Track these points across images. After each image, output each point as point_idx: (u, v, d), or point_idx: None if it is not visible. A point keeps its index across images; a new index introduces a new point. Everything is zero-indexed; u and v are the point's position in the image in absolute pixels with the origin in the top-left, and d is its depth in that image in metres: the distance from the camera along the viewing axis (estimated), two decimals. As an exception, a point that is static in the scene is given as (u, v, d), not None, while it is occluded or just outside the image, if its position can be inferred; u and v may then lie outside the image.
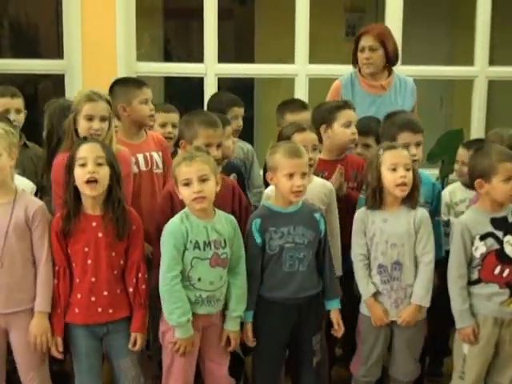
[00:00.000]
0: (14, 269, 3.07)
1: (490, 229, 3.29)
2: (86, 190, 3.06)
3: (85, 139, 3.20)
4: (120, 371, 3.20)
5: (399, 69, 4.68)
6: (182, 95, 6.07)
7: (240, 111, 4.23)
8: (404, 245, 3.34)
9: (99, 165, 3.05)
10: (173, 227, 3.09)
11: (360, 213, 3.43)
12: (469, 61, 5.58)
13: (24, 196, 3.14)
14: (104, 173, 3.06)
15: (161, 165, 3.74)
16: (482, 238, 3.28)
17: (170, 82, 6.52)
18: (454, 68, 5.88)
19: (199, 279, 3.09)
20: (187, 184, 3.05)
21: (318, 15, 5.37)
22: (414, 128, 3.64)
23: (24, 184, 3.39)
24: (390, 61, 4.43)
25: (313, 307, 3.31)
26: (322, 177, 3.66)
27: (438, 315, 3.47)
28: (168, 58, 7.79)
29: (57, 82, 5.42)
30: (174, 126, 4.09)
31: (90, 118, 3.36)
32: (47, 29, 7.79)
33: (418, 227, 3.34)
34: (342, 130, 3.78)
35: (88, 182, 3.03)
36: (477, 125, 5.49)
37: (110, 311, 3.12)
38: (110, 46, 5.01)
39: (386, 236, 3.31)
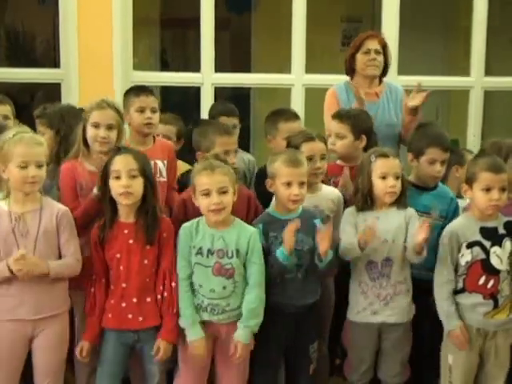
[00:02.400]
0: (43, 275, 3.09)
1: (478, 237, 3.31)
2: (121, 201, 3.13)
3: (118, 150, 3.22)
4: (149, 376, 3.25)
5: (398, 79, 4.69)
6: (179, 105, 6.08)
7: (230, 120, 4.24)
8: (394, 241, 3.37)
9: (133, 177, 3.10)
10: (182, 231, 3.18)
11: (350, 210, 3.47)
12: (465, 70, 5.60)
13: (48, 202, 3.18)
14: (138, 184, 3.13)
15: (165, 173, 3.76)
16: (469, 245, 3.31)
17: (166, 91, 6.52)
18: (450, 78, 5.92)
19: (200, 285, 3.14)
20: (207, 194, 3.09)
21: (314, 25, 5.38)
22: (444, 144, 3.68)
23: None
24: (386, 68, 4.49)
25: (311, 315, 3.33)
26: (333, 182, 3.73)
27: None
28: (164, 67, 7.80)
29: (52, 91, 5.42)
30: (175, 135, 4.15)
31: (97, 126, 3.39)
32: (43, 38, 7.80)
33: (408, 223, 3.39)
34: None
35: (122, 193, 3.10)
36: (472, 135, 5.50)
37: (140, 319, 3.17)
38: (107, 55, 5.00)
39: (378, 232, 3.32)
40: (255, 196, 3.58)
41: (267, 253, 3.23)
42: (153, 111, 3.75)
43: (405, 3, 5.33)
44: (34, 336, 3.14)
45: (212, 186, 3.10)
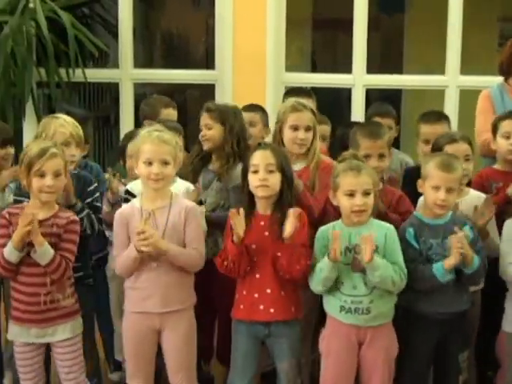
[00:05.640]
0: (170, 269, 3.18)
1: None
2: (257, 193, 3.18)
3: (259, 145, 3.29)
4: (280, 372, 3.26)
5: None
6: (329, 106, 6.08)
7: (385, 122, 4.17)
8: None
9: (270, 171, 3.15)
10: (318, 233, 3.18)
11: None
12: None
13: (177, 199, 3.27)
14: (274, 179, 3.16)
15: None
16: None
17: (315, 92, 6.54)
18: None
19: (342, 283, 3.12)
20: (351, 195, 3.08)
21: (470, 25, 5.25)
22: None
23: (180, 185, 3.50)
24: None
25: (461, 324, 3.25)
26: (495, 188, 3.62)
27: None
28: (313, 68, 7.84)
29: (204, 92, 5.57)
30: (324, 137, 4.15)
31: (296, 128, 3.47)
32: (196, 40, 8.03)
33: None
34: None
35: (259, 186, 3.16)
36: None
37: (272, 311, 3.18)
38: (260, 57, 5.08)
39: None
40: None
41: (418, 256, 3.16)
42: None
43: None
44: (162, 329, 3.22)
45: (357, 186, 3.08)
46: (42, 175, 3.14)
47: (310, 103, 3.91)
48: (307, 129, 3.51)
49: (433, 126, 3.88)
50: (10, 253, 3.10)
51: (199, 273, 3.31)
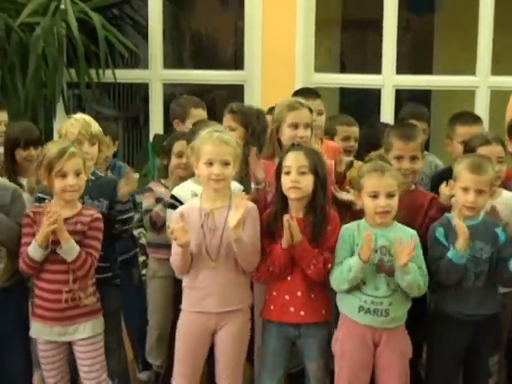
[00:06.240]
0: (228, 269, 3.19)
1: None
2: (289, 195, 3.17)
3: (292, 146, 3.27)
4: (309, 372, 3.26)
5: None
6: (357, 106, 6.07)
7: (419, 125, 4.15)
8: None
9: (302, 173, 3.14)
10: (342, 231, 3.17)
11: None
12: None
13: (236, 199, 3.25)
14: (307, 180, 3.15)
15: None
16: None
17: (344, 93, 6.54)
18: None
19: (364, 283, 3.11)
20: (375, 196, 3.08)
21: (500, 25, 5.20)
22: None
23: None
24: None
25: (491, 326, 3.22)
26: None
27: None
28: (342, 68, 7.82)
29: (232, 92, 5.58)
30: (355, 139, 4.13)
31: (296, 126, 3.45)
32: (225, 40, 8.05)
33: None
34: None
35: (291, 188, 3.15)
36: None
37: (302, 313, 3.19)
38: (290, 58, 5.08)
39: None
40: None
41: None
42: (319, 113, 3.80)
43: None
44: (217, 329, 3.23)
45: (381, 188, 3.08)
46: (64, 175, 3.16)
47: (318, 103, 3.88)
48: (306, 126, 3.47)
49: (471, 128, 3.86)
50: (35, 251, 3.13)
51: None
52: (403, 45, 6.38)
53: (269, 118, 3.89)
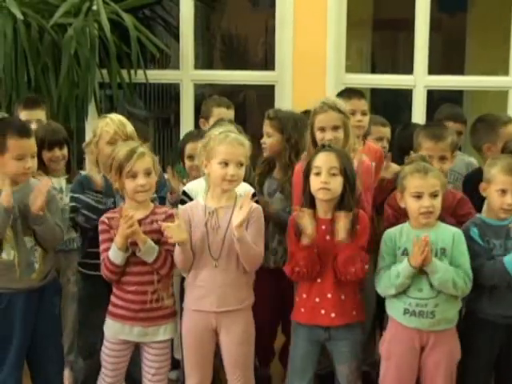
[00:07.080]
0: (229, 269, 3.19)
1: None
2: (318, 196, 3.16)
3: (323, 147, 3.26)
4: (339, 375, 3.26)
5: None
6: (388, 107, 6.04)
7: (456, 126, 4.12)
8: None
9: (332, 175, 3.13)
10: (385, 234, 3.18)
11: None
12: None
13: (241, 199, 3.25)
14: (336, 182, 3.14)
15: None
16: None
17: (375, 93, 6.50)
18: None
19: (408, 286, 3.09)
20: (418, 197, 3.07)
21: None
22: None
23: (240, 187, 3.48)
24: None
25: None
26: None
27: None
28: (372, 69, 7.79)
29: (263, 92, 5.58)
30: (387, 140, 4.12)
31: (323, 129, 3.44)
32: (255, 40, 8.06)
33: None
34: None
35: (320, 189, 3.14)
36: None
37: (333, 315, 3.18)
38: (321, 58, 5.07)
39: None
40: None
41: (483, 252, 3.13)
42: (363, 114, 3.80)
43: None
44: (218, 329, 3.23)
45: (425, 188, 3.07)
46: (134, 176, 3.18)
47: (363, 104, 3.88)
48: (334, 128, 3.44)
49: (507, 129, 3.85)
50: (116, 254, 3.14)
51: (270, 274, 3.43)
52: (435, 45, 6.35)
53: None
